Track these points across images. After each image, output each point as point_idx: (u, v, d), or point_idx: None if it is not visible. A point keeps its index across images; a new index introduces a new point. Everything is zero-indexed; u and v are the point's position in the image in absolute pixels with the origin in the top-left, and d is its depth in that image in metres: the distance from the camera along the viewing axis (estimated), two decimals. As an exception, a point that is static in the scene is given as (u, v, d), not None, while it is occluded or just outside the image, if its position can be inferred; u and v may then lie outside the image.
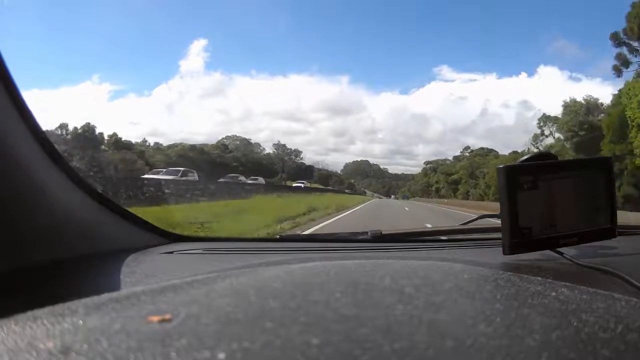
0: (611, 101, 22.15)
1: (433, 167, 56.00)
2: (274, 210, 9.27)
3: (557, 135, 27.58)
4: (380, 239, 0.95)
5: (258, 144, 57.74)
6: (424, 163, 60.23)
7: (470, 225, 1.03)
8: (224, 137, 55.41)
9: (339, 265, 0.47)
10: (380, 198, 54.96)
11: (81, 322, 0.28)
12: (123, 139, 37.69)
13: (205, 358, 0.23)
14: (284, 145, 58.77)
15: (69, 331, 0.27)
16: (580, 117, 25.02)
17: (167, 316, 0.28)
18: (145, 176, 16.36)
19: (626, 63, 20.73)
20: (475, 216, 1.04)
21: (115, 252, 0.75)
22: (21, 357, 0.24)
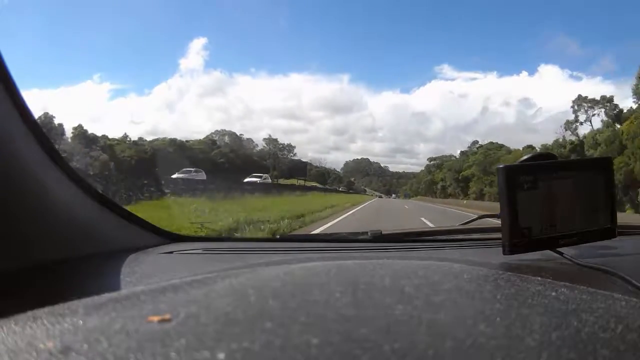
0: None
1: (437, 164, 52.74)
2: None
3: (600, 118, 24.13)
4: (380, 239, 0.95)
5: (250, 140, 54.16)
6: (428, 159, 57.11)
7: (470, 225, 1.03)
8: (213, 132, 52.18)
9: (339, 265, 0.47)
10: (380, 197, 53.41)
11: (81, 322, 0.28)
12: (89, 132, 34.92)
13: (205, 358, 0.23)
14: (275, 140, 54.50)
15: (69, 331, 0.27)
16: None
17: (167, 316, 0.28)
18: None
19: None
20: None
21: (115, 252, 0.75)
22: (21, 357, 0.24)
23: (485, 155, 38.30)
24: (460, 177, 40.06)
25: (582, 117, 26.60)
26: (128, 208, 0.87)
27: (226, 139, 51.08)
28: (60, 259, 0.66)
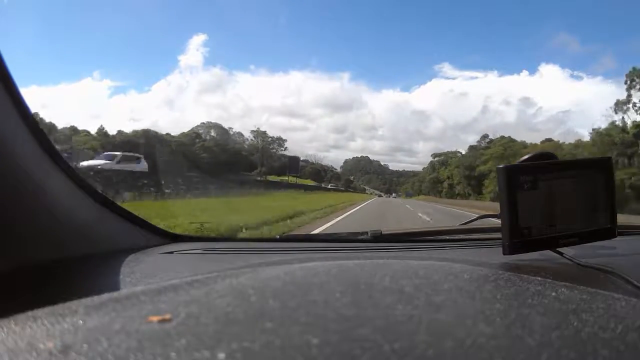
0: None
1: (442, 161, 48.48)
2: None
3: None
4: (380, 239, 0.95)
5: (240, 134, 50.22)
6: (432, 156, 52.84)
7: (470, 225, 1.03)
8: (198, 124, 48.15)
9: (339, 265, 0.47)
10: (380, 196, 51.81)
11: (81, 322, 0.28)
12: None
13: (205, 358, 0.23)
14: (264, 133, 50.20)
15: (69, 331, 0.27)
16: None
17: (167, 316, 0.28)
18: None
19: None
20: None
21: (115, 252, 0.75)
22: (21, 357, 0.24)
23: (505, 148, 33.36)
24: (472, 175, 35.45)
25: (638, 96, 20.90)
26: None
27: (212, 132, 47.50)
28: (60, 259, 0.66)
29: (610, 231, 0.72)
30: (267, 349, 0.24)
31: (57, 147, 0.67)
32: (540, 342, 0.26)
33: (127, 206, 0.87)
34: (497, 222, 0.71)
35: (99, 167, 12.16)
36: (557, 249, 0.71)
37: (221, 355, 0.23)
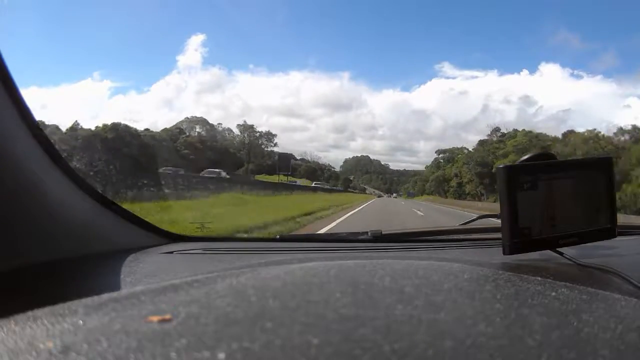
0: None
1: (448, 157, 43.52)
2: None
3: None
4: (380, 238, 0.95)
5: (229, 130, 45.55)
6: (436, 152, 48.09)
7: (470, 225, 1.03)
8: (183, 119, 43.63)
9: (339, 265, 0.47)
10: (380, 196, 50.31)
11: (81, 322, 0.28)
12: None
13: (205, 358, 0.23)
14: (251, 127, 44.73)
15: (69, 331, 0.27)
16: None
17: (167, 316, 0.28)
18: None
19: None
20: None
21: (115, 252, 0.75)
22: (21, 357, 0.24)
23: (530, 139, 30.03)
24: (485, 172, 31.65)
25: None
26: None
27: (197, 127, 43.24)
28: (60, 259, 0.66)
29: (610, 231, 0.72)
30: (267, 349, 0.24)
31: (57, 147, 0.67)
32: (540, 342, 0.26)
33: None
34: (497, 222, 0.71)
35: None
36: (557, 249, 0.71)
37: (221, 355, 0.23)
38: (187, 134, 40.33)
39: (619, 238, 0.75)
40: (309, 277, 0.40)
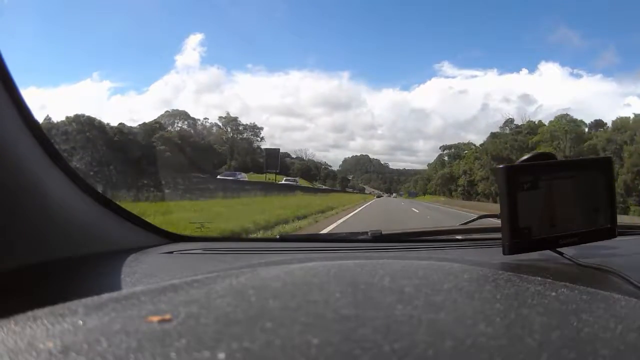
0: None
1: (454, 154, 39.50)
2: None
3: None
4: (380, 239, 0.95)
5: (217, 125, 41.22)
6: (440, 148, 44.39)
7: (470, 225, 1.03)
8: (162, 113, 38.94)
9: (339, 265, 0.47)
10: (380, 197, 48.72)
11: (81, 322, 0.28)
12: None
13: (205, 358, 0.23)
14: (234, 120, 39.90)
15: (69, 331, 0.27)
16: None
17: (167, 316, 0.28)
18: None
19: None
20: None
21: (115, 252, 0.75)
22: (21, 357, 0.24)
23: (558, 126, 25.84)
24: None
25: None
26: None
27: (177, 122, 38.79)
28: (60, 259, 0.66)
29: (610, 231, 0.72)
30: (267, 349, 0.24)
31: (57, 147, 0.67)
32: (540, 342, 0.26)
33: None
34: (497, 222, 0.71)
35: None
36: (557, 249, 0.71)
37: (221, 355, 0.23)
38: (167, 128, 36.15)
39: (619, 238, 0.75)
40: (309, 277, 0.40)
